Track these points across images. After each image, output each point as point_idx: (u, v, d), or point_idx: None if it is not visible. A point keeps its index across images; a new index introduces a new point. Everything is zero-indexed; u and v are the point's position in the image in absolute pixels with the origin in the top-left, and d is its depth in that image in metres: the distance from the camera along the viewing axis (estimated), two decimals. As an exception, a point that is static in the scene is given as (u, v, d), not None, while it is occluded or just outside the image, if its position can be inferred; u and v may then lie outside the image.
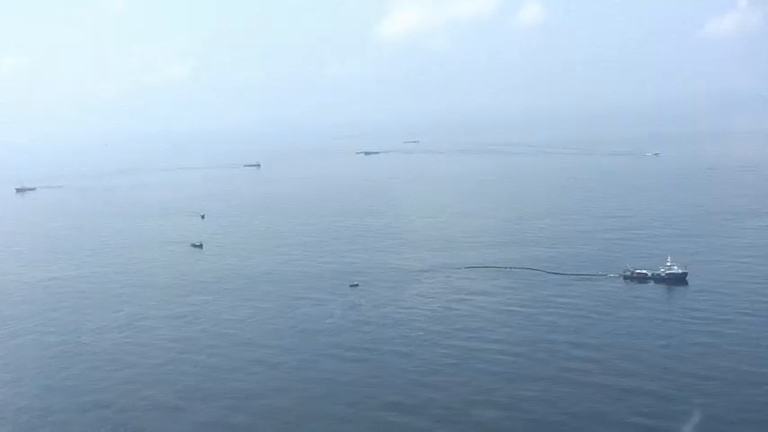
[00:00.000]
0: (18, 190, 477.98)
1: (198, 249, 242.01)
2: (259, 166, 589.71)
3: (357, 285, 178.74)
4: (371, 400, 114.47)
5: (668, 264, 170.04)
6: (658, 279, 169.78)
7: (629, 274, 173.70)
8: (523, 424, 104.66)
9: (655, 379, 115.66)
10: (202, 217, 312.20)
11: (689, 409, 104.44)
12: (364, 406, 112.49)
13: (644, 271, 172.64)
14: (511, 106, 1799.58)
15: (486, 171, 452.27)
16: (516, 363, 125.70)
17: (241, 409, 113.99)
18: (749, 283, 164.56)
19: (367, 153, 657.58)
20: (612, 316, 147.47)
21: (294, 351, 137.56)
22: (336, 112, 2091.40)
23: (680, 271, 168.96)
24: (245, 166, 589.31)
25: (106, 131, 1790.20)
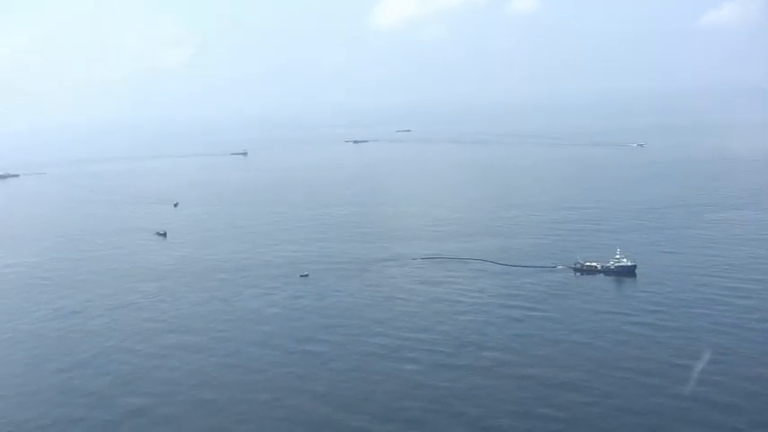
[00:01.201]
0: (0, 176, 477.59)
1: (161, 238, 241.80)
2: (246, 154, 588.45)
3: (307, 275, 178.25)
4: (285, 389, 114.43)
5: (617, 256, 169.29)
6: (607, 272, 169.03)
7: (578, 266, 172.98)
8: (444, 417, 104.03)
9: (570, 370, 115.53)
10: (175, 205, 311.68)
11: (597, 401, 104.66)
12: (280, 394, 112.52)
13: (593, 263, 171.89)
14: (505, 96, 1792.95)
15: (471, 161, 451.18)
16: (441, 354, 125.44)
17: (165, 396, 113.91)
18: (696, 276, 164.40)
19: (356, 142, 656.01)
20: (548, 308, 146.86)
21: (225, 339, 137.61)
22: (332, 100, 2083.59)
23: (629, 263, 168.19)
24: (233, 154, 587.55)
25: (104, 118, 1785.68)
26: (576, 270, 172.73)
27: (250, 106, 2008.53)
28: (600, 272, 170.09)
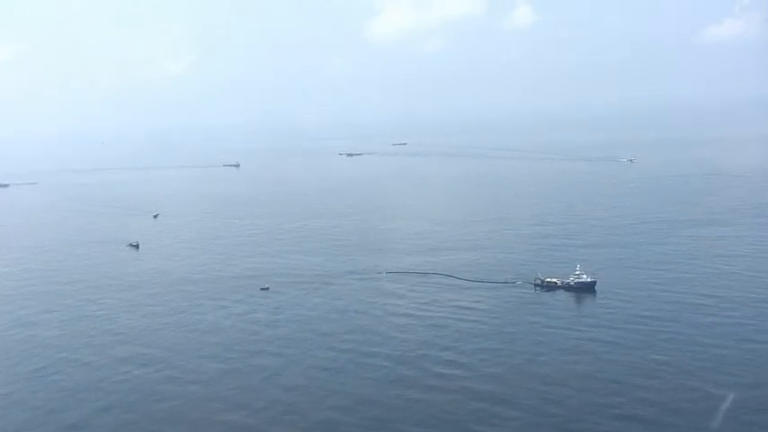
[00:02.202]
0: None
1: (134, 249, 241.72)
2: (238, 166, 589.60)
3: (267, 289, 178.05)
4: (225, 403, 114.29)
5: (577, 272, 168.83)
6: (567, 288, 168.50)
7: (539, 282, 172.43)
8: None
9: (509, 386, 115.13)
10: (155, 216, 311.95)
11: (539, 420, 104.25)
12: (218, 408, 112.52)
13: (553, 279, 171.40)
14: (502, 109, 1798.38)
15: (461, 175, 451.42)
16: (387, 369, 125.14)
17: (102, 412, 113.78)
18: (657, 292, 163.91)
19: (349, 155, 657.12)
20: (501, 324, 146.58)
21: (175, 352, 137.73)
22: (330, 112, 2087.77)
23: (588, 280, 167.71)
24: (225, 165, 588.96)
25: (104, 127, 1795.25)
26: (536, 286, 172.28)
27: (246, 117, 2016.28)
28: (560, 288, 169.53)
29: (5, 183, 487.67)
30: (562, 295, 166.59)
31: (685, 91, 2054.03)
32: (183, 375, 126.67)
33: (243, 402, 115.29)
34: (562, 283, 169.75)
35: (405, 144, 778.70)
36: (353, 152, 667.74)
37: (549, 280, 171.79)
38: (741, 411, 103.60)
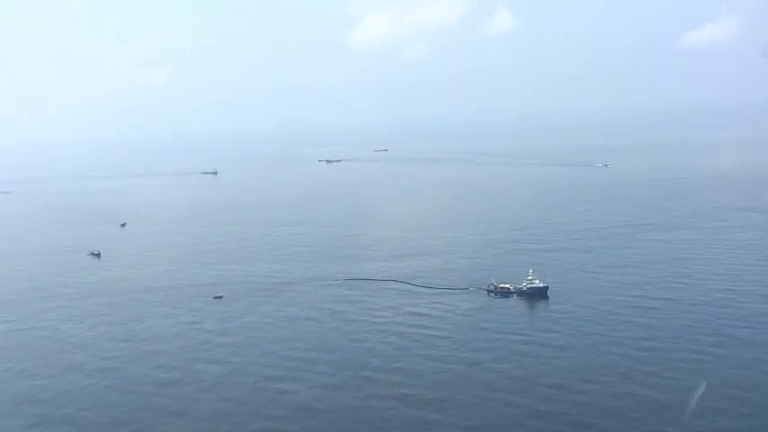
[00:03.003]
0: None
1: (95, 258, 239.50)
2: (216, 173, 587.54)
3: (221, 297, 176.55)
4: (160, 414, 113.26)
5: (530, 277, 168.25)
6: (520, 293, 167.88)
7: (492, 288, 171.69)
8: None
9: (449, 392, 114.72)
10: (122, 225, 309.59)
11: (455, 422, 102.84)
12: (152, 418, 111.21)
13: (506, 285, 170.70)
14: (482, 115, 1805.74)
15: (438, 181, 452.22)
16: (327, 375, 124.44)
17: (41, 422, 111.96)
18: (610, 297, 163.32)
19: (329, 161, 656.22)
20: (447, 330, 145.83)
21: (114, 360, 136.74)
22: (313, 120, 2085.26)
23: (541, 285, 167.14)
24: (203, 173, 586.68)
25: (100, 134, 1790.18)
26: (489, 292, 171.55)
27: (227, 124, 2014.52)
28: (513, 293, 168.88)
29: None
30: (514, 301, 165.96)
31: (667, 96, 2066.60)
32: (124, 385, 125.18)
33: (181, 412, 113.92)
34: (515, 288, 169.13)
35: (386, 150, 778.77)
36: (332, 159, 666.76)
37: (502, 285, 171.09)
38: (683, 415, 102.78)
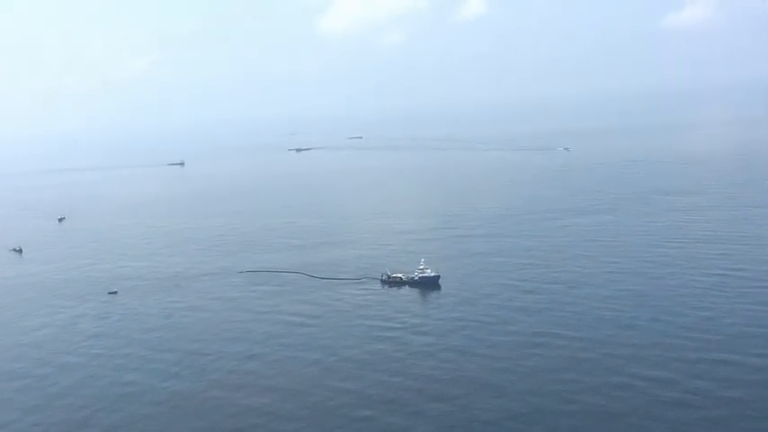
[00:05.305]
0: None
1: (16, 254, 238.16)
2: (183, 164, 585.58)
3: (116, 293, 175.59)
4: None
5: (421, 267, 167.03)
6: (412, 283, 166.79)
7: (385, 278, 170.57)
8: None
9: (297, 387, 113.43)
10: (60, 220, 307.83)
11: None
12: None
13: (399, 275, 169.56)
14: (458, 101, 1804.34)
15: (391, 168, 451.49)
16: (167, 372, 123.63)
17: None
18: (503, 281, 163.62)
19: (298, 150, 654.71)
20: (322, 322, 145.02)
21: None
22: (289, 108, 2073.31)
23: (432, 274, 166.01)
24: (170, 164, 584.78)
25: (72, 127, 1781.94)
26: (382, 282, 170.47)
27: (204, 114, 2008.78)
28: (405, 283, 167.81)
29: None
30: (405, 290, 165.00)
31: (647, 78, 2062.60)
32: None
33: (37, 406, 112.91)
34: (407, 278, 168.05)
35: (360, 138, 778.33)
36: (302, 147, 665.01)
37: (394, 275, 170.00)
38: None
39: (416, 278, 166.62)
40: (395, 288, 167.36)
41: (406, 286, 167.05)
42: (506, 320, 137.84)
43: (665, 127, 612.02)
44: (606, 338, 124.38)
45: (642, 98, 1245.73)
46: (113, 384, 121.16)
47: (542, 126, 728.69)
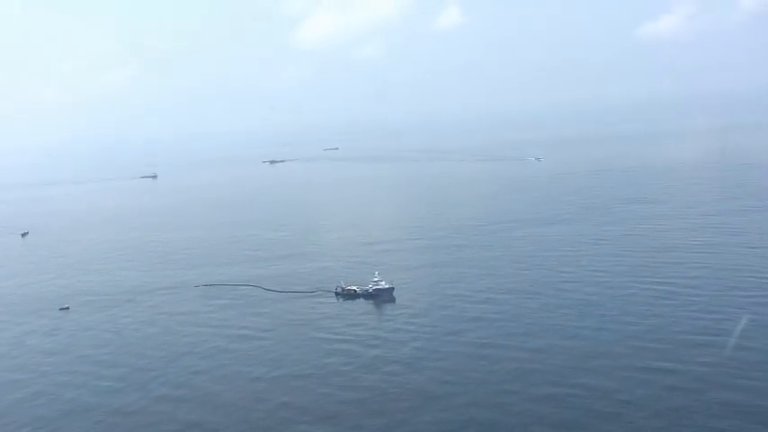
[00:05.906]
0: None
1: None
2: (155, 177, 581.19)
3: (67, 309, 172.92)
4: None
5: (375, 279, 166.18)
6: (366, 295, 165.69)
7: (339, 290, 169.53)
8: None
9: (231, 407, 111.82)
10: (23, 235, 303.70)
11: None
12: None
13: (353, 287, 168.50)
14: (435, 112, 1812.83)
15: (363, 178, 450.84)
16: (113, 389, 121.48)
17: None
18: (458, 293, 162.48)
19: (272, 162, 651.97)
20: (268, 336, 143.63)
21: None
22: (265, 120, 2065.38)
23: (386, 286, 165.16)
24: (142, 177, 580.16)
25: (49, 140, 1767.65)
26: (337, 294, 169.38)
27: (178, 128, 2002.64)
28: (359, 296, 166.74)
29: None
30: (359, 303, 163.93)
31: (624, 88, 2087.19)
32: None
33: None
34: (361, 290, 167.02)
35: (337, 149, 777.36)
36: (276, 159, 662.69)
37: (349, 288, 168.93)
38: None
39: (371, 290, 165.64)
40: (349, 301, 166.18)
41: (360, 298, 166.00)
42: (457, 332, 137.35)
43: (638, 136, 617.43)
44: (552, 348, 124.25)
45: (617, 108, 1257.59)
46: (56, 401, 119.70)
47: (515, 136, 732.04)
